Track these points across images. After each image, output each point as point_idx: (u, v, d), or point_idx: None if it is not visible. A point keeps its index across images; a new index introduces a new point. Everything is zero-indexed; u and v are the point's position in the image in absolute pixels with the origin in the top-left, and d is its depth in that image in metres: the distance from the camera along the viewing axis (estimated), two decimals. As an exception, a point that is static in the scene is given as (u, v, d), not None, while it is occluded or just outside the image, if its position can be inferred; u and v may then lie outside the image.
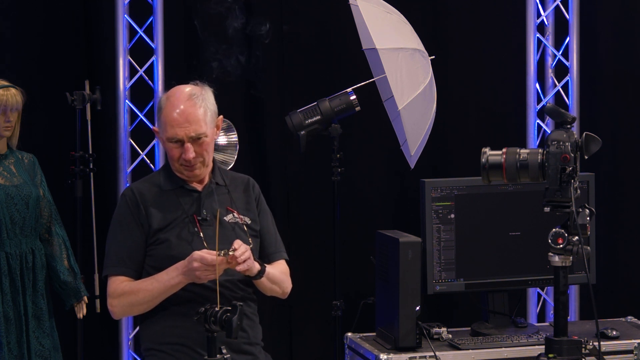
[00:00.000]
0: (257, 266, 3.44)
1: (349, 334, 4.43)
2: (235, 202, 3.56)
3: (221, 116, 3.56)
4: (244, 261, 3.34)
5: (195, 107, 3.44)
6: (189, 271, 3.32)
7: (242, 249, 3.33)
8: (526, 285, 4.48)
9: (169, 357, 3.44)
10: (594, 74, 6.00)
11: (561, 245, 3.20)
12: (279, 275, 3.61)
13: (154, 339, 3.47)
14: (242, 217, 3.54)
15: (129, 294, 3.42)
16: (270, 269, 3.53)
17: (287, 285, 3.68)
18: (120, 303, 3.44)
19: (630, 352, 4.24)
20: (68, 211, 5.14)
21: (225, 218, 3.52)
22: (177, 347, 3.43)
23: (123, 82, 5.42)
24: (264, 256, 3.62)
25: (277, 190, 5.71)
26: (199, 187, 3.53)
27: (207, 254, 3.30)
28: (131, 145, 5.46)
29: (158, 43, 5.46)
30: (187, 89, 3.49)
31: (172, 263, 3.39)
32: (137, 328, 5.43)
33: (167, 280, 3.36)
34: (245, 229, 3.55)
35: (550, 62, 5.95)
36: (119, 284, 3.44)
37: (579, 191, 3.23)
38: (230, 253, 3.31)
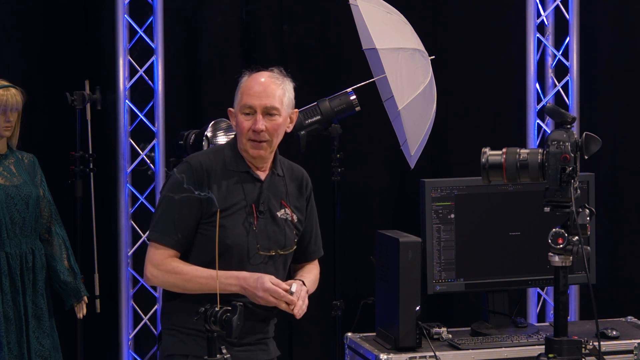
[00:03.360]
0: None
1: (349, 334, 4.43)
2: (289, 197, 3.56)
3: (297, 110, 3.55)
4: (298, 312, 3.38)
5: (275, 84, 3.47)
6: (251, 293, 3.33)
7: (301, 306, 3.36)
8: (526, 285, 4.48)
9: (183, 345, 3.43)
10: (594, 74, 6.00)
11: (561, 245, 3.20)
12: (312, 288, 3.61)
13: (176, 321, 3.47)
14: (293, 214, 3.55)
15: (179, 276, 3.40)
16: (309, 288, 3.53)
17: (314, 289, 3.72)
18: (165, 278, 3.41)
19: (630, 352, 4.25)
20: (68, 211, 5.15)
21: (277, 213, 3.51)
22: (195, 337, 3.43)
23: (123, 82, 5.42)
24: (305, 254, 3.64)
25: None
26: (262, 177, 3.51)
27: (280, 289, 3.31)
28: (131, 145, 5.46)
29: (158, 43, 5.46)
30: (272, 71, 3.51)
31: (223, 249, 3.37)
32: (137, 328, 5.45)
33: (225, 285, 3.34)
34: (293, 227, 3.55)
35: (550, 62, 5.95)
36: (168, 257, 3.41)
37: (579, 191, 3.23)
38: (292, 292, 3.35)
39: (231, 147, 3.53)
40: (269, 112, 3.43)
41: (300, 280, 3.47)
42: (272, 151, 3.50)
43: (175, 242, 3.42)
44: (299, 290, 3.38)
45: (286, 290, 3.35)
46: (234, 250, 3.40)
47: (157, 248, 3.43)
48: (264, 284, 3.33)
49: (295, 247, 3.56)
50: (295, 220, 3.56)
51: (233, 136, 3.61)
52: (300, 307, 3.37)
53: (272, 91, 3.45)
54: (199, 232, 3.43)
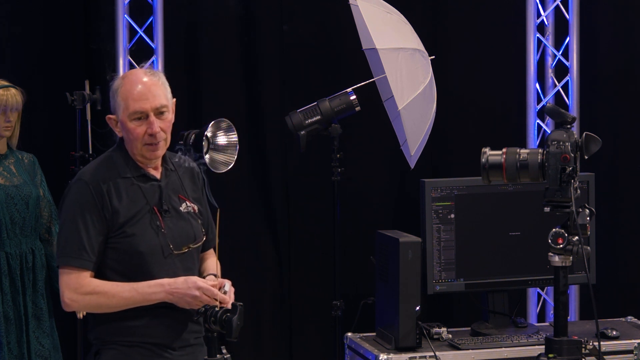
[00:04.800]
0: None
1: (349, 334, 4.43)
2: (186, 189, 3.52)
3: (174, 99, 3.50)
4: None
5: (154, 81, 3.40)
6: (182, 295, 3.27)
7: (228, 301, 3.33)
8: (526, 285, 4.48)
9: (127, 357, 3.37)
10: (594, 74, 6.00)
11: (561, 245, 3.20)
12: None
13: (115, 337, 3.38)
14: (193, 205, 3.51)
15: (101, 296, 3.31)
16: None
17: None
18: (86, 301, 3.32)
19: (630, 352, 4.24)
20: (68, 211, 5.14)
21: (180, 208, 3.46)
22: (137, 349, 3.38)
23: (123, 82, 5.41)
24: (204, 243, 3.58)
25: (277, 190, 5.71)
26: (158, 175, 3.45)
27: (214, 288, 3.27)
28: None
29: (158, 43, 5.46)
30: (142, 68, 3.47)
31: (139, 259, 3.33)
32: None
33: (149, 294, 3.29)
34: (197, 217, 3.51)
35: (550, 62, 5.95)
36: (84, 279, 3.31)
37: (579, 191, 3.23)
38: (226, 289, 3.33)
39: (120, 153, 3.44)
40: (160, 111, 3.38)
41: (213, 275, 3.44)
42: (167, 147, 3.46)
43: (88, 262, 3.31)
44: (230, 289, 3.35)
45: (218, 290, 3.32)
46: (148, 256, 3.34)
47: (71, 272, 3.32)
48: (197, 283, 3.27)
49: (204, 238, 3.50)
50: (197, 210, 3.51)
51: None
52: (229, 307, 3.31)
53: (156, 89, 3.38)
54: (109, 246, 3.35)
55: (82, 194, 3.35)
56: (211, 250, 3.66)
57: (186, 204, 3.48)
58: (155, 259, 3.35)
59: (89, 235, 3.32)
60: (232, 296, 3.36)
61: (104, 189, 3.34)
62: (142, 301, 3.31)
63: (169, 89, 3.44)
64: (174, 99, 3.49)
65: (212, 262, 3.62)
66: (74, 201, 3.37)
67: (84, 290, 3.31)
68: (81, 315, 4.96)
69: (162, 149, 3.43)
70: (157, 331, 3.36)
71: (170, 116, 3.43)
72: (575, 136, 3.25)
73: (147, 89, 3.36)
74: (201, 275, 3.52)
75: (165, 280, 3.31)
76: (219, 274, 3.54)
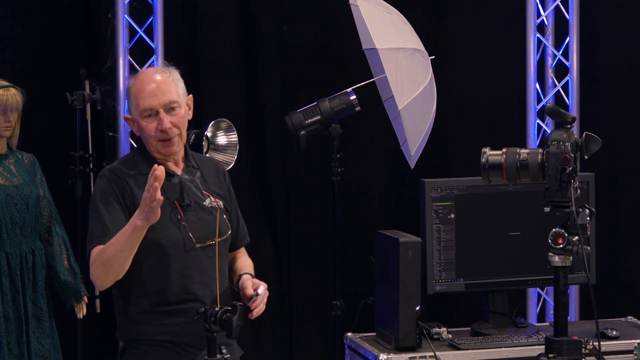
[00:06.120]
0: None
1: (349, 334, 4.44)
2: (210, 186, 3.54)
3: (191, 95, 3.52)
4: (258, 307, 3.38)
5: (166, 79, 3.43)
6: (140, 210, 3.21)
7: (260, 303, 3.35)
8: (526, 285, 4.48)
9: (149, 357, 3.39)
10: (594, 74, 6.00)
11: (561, 245, 3.21)
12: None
13: (137, 335, 3.41)
14: (217, 201, 3.52)
15: (100, 255, 3.31)
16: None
17: None
18: (100, 264, 3.31)
19: (630, 352, 4.25)
20: (68, 211, 5.15)
21: (204, 203, 3.49)
22: (159, 348, 3.40)
23: (123, 82, 5.41)
24: (234, 241, 3.62)
25: (277, 190, 5.71)
26: (178, 171, 3.48)
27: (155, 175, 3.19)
28: (131, 145, 5.46)
29: (158, 43, 5.46)
30: (155, 67, 3.48)
31: (160, 251, 3.35)
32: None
33: (126, 229, 3.27)
34: (223, 213, 3.53)
35: (550, 62, 5.95)
36: (94, 251, 3.34)
37: (579, 191, 3.23)
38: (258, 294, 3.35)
39: (140, 152, 3.50)
40: (170, 107, 3.40)
41: (249, 274, 3.46)
42: (184, 142, 3.49)
43: (108, 240, 3.33)
44: (264, 294, 3.37)
45: (252, 295, 3.34)
46: (170, 249, 3.37)
47: (95, 252, 3.35)
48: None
49: (230, 232, 3.52)
50: (222, 206, 3.53)
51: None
52: (260, 310, 3.36)
53: (165, 86, 3.41)
54: None
55: (101, 186, 3.42)
56: (243, 249, 3.69)
57: (210, 199, 3.50)
58: (177, 252, 3.38)
59: (112, 218, 3.36)
60: (265, 300, 3.38)
61: (124, 182, 3.40)
62: (127, 240, 3.26)
63: (181, 85, 3.47)
64: (190, 95, 3.51)
65: (245, 260, 3.65)
66: (94, 195, 3.43)
67: (95, 256, 3.33)
68: (81, 315, 4.96)
69: (177, 145, 3.45)
70: (183, 330, 3.36)
71: (182, 112, 3.44)
72: (575, 136, 3.25)
73: (156, 84, 3.40)
74: (235, 274, 3.55)
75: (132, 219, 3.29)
76: (253, 272, 3.57)
